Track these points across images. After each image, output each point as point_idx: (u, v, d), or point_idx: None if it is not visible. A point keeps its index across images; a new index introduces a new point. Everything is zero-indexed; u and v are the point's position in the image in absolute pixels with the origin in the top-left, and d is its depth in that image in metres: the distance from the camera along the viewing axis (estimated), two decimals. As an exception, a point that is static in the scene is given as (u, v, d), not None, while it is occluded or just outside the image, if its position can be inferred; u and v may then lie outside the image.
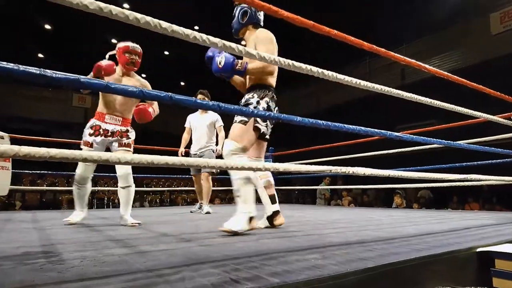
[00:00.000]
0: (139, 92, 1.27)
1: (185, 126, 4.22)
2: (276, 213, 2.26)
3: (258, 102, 2.10)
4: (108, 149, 2.60)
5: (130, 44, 2.57)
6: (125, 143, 2.58)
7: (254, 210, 1.99)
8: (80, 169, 2.54)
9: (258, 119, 2.08)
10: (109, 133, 2.55)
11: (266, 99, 2.13)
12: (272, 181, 2.34)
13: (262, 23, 2.33)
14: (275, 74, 2.23)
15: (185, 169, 4.29)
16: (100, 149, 2.51)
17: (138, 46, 2.62)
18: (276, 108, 2.20)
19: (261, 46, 2.09)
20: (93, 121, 2.57)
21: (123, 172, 2.54)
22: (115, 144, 2.57)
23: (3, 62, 0.95)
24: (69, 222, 2.51)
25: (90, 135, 2.53)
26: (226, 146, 2.06)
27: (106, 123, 2.56)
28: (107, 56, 2.48)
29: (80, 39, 11.25)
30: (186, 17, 8.43)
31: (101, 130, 2.53)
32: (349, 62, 10.82)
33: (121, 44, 2.59)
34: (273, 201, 2.27)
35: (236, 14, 2.32)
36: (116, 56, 2.58)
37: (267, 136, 2.25)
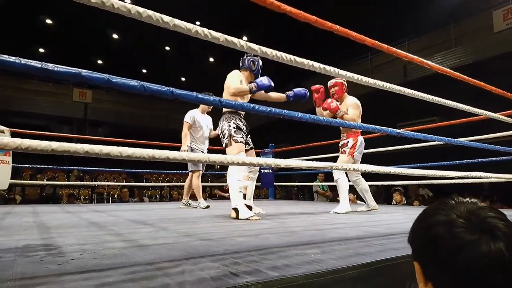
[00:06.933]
0: (140, 87, 1.27)
1: (187, 121, 4.01)
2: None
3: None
4: None
5: None
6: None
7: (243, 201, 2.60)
8: None
9: (233, 133, 2.63)
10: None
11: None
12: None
13: None
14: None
15: (184, 165, 4.25)
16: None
17: None
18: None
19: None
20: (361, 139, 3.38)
21: None
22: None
23: (4, 55, 0.95)
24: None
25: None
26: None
27: None
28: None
29: (81, 34, 11.23)
30: (188, 12, 8.40)
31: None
32: (351, 58, 10.79)
33: None
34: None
35: None
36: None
37: (248, 144, 2.84)
